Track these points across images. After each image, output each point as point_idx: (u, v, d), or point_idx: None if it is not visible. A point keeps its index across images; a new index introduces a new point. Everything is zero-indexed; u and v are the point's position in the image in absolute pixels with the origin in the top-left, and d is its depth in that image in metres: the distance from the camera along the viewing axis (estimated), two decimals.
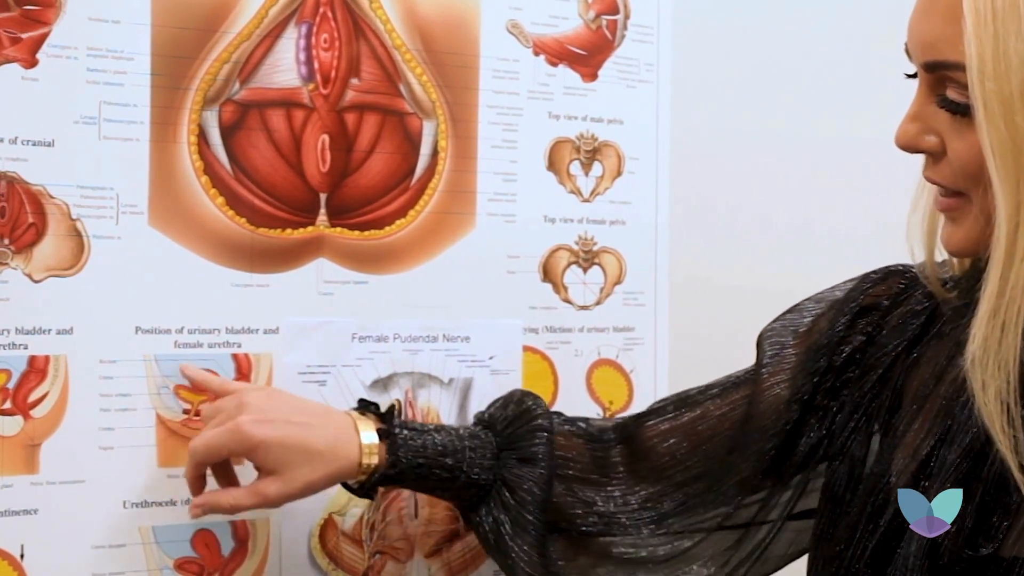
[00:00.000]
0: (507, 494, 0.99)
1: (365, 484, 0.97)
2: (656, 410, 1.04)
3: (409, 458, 0.97)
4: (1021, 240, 0.75)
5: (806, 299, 1.02)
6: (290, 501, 0.97)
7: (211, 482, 0.98)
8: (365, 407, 1.00)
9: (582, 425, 1.05)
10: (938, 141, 0.81)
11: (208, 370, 1.00)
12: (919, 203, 0.89)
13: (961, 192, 0.81)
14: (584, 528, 1.00)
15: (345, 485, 0.99)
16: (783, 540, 0.99)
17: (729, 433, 0.99)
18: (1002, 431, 0.78)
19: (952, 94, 0.78)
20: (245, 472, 0.99)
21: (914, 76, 0.83)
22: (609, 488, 1.02)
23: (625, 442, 1.03)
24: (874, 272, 0.98)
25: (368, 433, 0.97)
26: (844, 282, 1.00)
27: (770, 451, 0.97)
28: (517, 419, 1.02)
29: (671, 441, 1.01)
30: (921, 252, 0.90)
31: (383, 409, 1.00)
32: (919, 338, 0.92)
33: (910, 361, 0.91)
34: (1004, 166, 0.75)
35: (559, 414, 1.06)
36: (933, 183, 0.83)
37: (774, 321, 1.02)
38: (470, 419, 1.10)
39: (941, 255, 0.91)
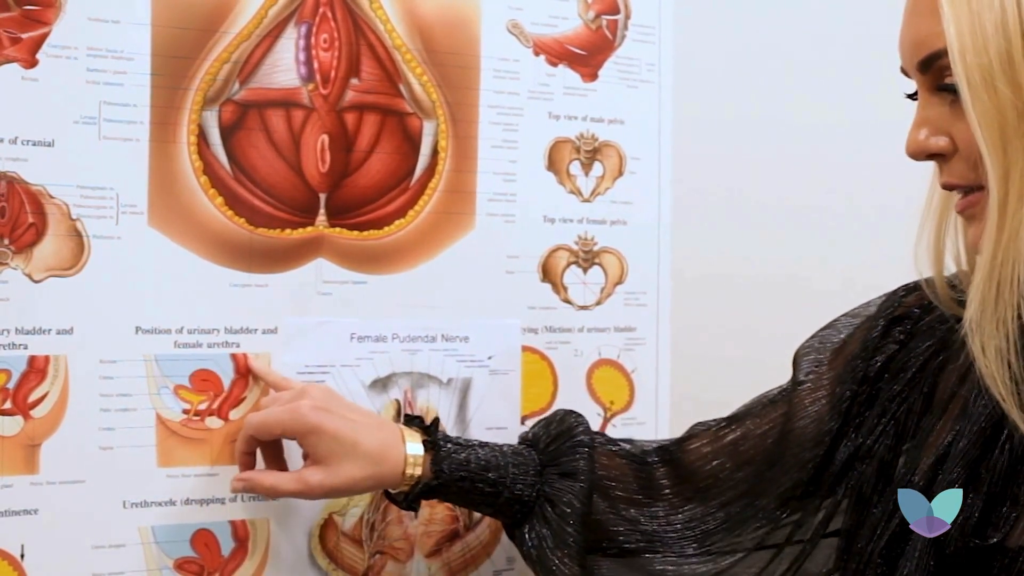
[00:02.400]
0: (549, 508, 1.00)
1: (408, 495, 0.98)
2: (697, 433, 1.05)
3: (452, 470, 0.98)
4: (1011, 204, 0.77)
5: (841, 315, 1.03)
6: (330, 496, 0.99)
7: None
8: (410, 421, 1.02)
9: (625, 446, 1.06)
10: (948, 141, 0.82)
11: (209, 371, 1.01)
12: (923, 234, 0.91)
13: (977, 188, 0.81)
14: (627, 545, 1.01)
15: (389, 497, 1.00)
16: (819, 558, 0.99)
17: (770, 450, 1.00)
18: (1004, 387, 0.79)
19: (949, 80, 0.80)
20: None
21: (914, 96, 0.84)
22: (654, 508, 1.03)
23: (669, 464, 1.04)
24: (906, 284, 0.99)
25: (414, 444, 0.98)
26: (877, 297, 1.01)
27: (810, 463, 0.97)
28: (559, 436, 1.03)
29: (715, 463, 1.02)
30: (930, 276, 0.91)
31: (428, 423, 1.01)
32: (947, 342, 0.92)
33: (937, 364, 0.92)
34: (991, 135, 0.77)
35: (601, 434, 1.07)
36: (951, 187, 0.84)
37: (810, 338, 1.03)
38: (468, 419, 1.10)
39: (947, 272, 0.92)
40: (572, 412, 1.06)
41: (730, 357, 1.37)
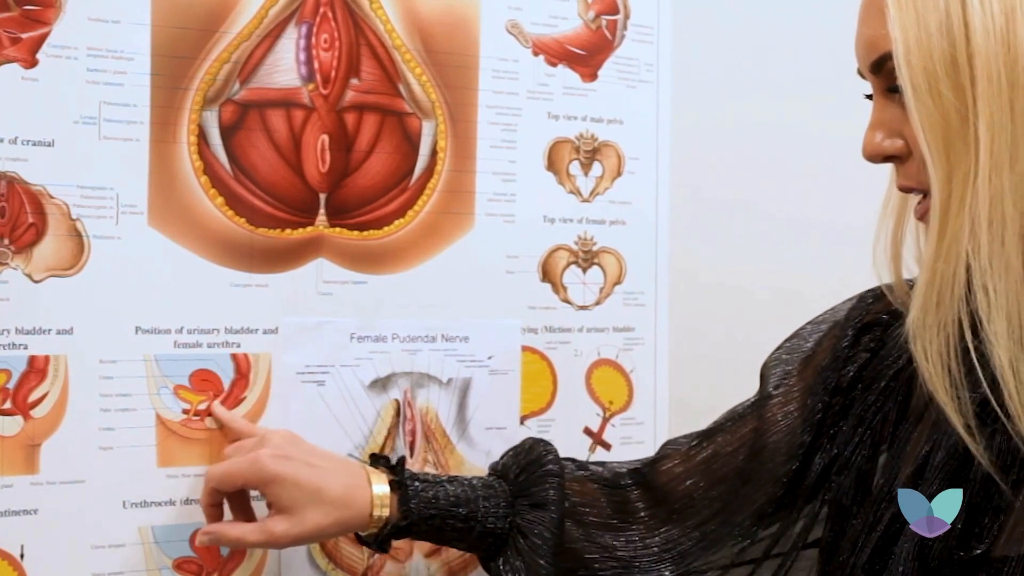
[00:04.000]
0: (521, 540, 0.99)
1: (378, 536, 0.97)
2: (669, 454, 1.04)
3: (421, 509, 0.97)
4: (953, 208, 0.77)
5: (806, 323, 1.02)
6: (297, 544, 0.97)
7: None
8: (376, 461, 1.01)
9: (597, 470, 1.05)
10: (903, 144, 0.82)
11: (209, 371, 1.01)
12: (880, 235, 0.90)
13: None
14: (603, 572, 1.00)
15: (359, 539, 0.99)
16: (799, 569, 0.99)
17: (743, 466, 1.00)
18: (944, 392, 0.79)
19: (900, 80, 0.79)
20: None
21: (872, 97, 0.85)
22: (629, 532, 1.02)
23: (642, 487, 1.03)
24: (873, 289, 0.98)
25: (380, 485, 0.97)
26: (843, 302, 1.00)
27: (785, 477, 0.97)
28: (528, 466, 1.02)
29: (688, 483, 1.01)
30: (889, 279, 0.91)
31: (394, 462, 1.00)
32: None
33: (910, 372, 0.91)
34: (934, 139, 0.77)
35: (571, 460, 1.06)
36: (907, 190, 0.84)
37: (776, 349, 1.02)
38: (468, 419, 1.10)
39: (909, 274, 0.91)
40: (540, 441, 1.04)
41: (728, 357, 1.37)
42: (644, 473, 1.04)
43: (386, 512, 0.96)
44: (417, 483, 0.98)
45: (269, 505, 0.96)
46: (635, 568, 1.00)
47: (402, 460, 1.00)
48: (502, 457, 1.05)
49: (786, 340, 1.03)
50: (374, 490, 0.96)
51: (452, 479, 1.00)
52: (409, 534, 0.98)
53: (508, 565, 0.98)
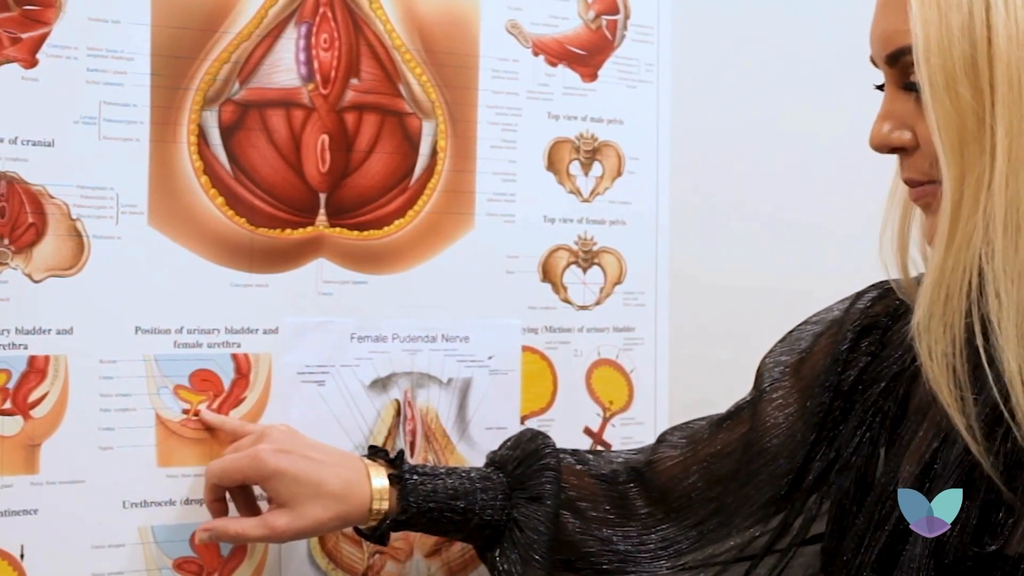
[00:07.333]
0: (517, 533, 0.99)
1: (377, 530, 0.98)
2: (667, 455, 1.04)
3: (420, 503, 0.97)
4: (964, 209, 0.77)
5: (802, 323, 1.02)
6: (298, 538, 0.98)
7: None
8: (375, 453, 1.01)
9: (593, 464, 1.05)
10: (911, 136, 0.82)
11: (209, 371, 1.01)
12: (888, 222, 0.90)
13: (934, 180, 0.81)
14: (600, 567, 1.01)
15: (359, 532, 1.00)
16: (797, 565, 0.99)
17: (741, 468, 1.00)
18: (948, 392, 0.79)
19: (914, 77, 0.79)
20: None
21: (883, 87, 0.84)
22: (627, 528, 1.02)
23: (640, 484, 1.04)
24: (870, 290, 0.98)
25: (379, 478, 0.97)
26: (839, 301, 1.00)
27: (784, 478, 0.97)
28: (526, 459, 1.02)
29: (686, 482, 1.02)
30: (895, 270, 0.91)
31: (392, 455, 1.00)
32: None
33: (912, 371, 0.91)
34: (949, 138, 0.77)
35: (568, 452, 1.06)
36: (912, 183, 0.84)
37: (771, 352, 1.02)
38: (468, 419, 1.10)
39: (916, 270, 0.91)
40: (539, 433, 1.05)
41: (728, 357, 1.37)
42: (643, 472, 1.04)
43: (385, 505, 0.97)
44: (416, 476, 0.98)
45: (269, 500, 0.97)
46: (631, 561, 1.01)
47: (401, 453, 1.01)
48: (500, 447, 1.06)
49: (780, 341, 1.03)
50: (373, 484, 0.97)
51: (451, 471, 1.01)
52: (408, 527, 0.99)
53: (504, 557, 0.99)
